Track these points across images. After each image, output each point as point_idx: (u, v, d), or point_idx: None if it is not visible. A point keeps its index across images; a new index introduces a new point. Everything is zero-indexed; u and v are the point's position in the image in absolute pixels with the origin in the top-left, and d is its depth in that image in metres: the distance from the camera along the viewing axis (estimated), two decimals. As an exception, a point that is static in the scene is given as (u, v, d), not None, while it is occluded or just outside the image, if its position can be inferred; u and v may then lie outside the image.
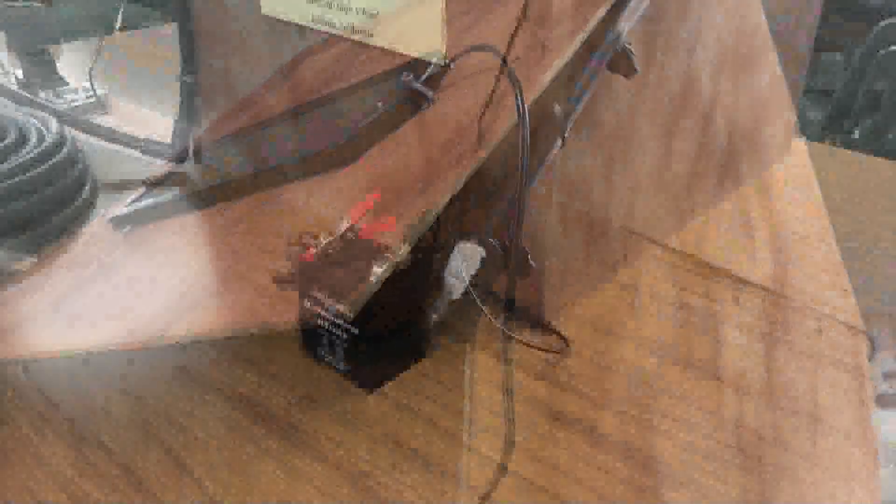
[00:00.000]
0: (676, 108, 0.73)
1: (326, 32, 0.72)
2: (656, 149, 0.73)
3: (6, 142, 0.80)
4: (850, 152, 1.03)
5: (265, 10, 0.76)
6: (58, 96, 1.05)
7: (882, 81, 1.76)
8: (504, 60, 0.58)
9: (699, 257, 0.78)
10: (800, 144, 1.04)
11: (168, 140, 0.91)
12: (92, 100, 1.06)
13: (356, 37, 0.70)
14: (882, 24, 1.70)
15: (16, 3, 1.14)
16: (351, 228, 0.60)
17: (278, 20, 0.76)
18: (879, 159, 1.01)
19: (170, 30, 0.96)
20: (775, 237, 0.83)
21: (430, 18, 0.63)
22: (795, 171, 0.97)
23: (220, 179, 0.80)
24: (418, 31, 0.65)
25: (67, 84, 1.10)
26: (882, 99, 1.75)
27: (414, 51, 0.66)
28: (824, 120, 1.94)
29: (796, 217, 0.86)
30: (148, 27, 1.55)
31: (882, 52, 1.69)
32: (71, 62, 1.24)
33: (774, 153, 0.98)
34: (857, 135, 1.90)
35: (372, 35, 0.68)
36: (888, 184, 0.95)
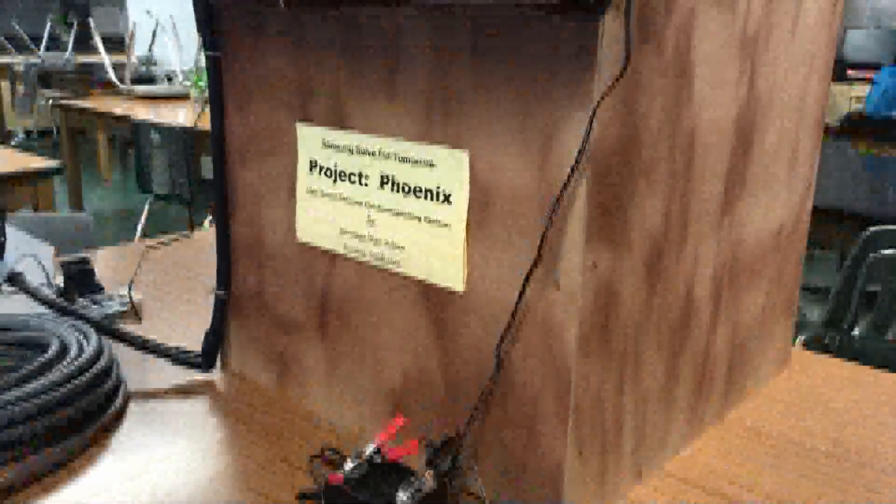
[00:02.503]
0: (679, 327, 0.78)
1: (356, 260, 0.79)
2: (661, 367, 0.77)
3: (48, 355, 0.84)
4: (846, 363, 1.07)
5: (301, 236, 0.84)
6: (95, 303, 1.11)
7: (875, 283, 1.84)
8: (520, 295, 0.64)
9: (705, 484, 0.79)
10: (799, 354, 1.09)
11: (199, 349, 0.96)
12: (126, 307, 1.13)
13: (384, 265, 0.76)
14: (869, 230, 1.80)
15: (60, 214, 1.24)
16: (377, 451, 0.63)
17: (312, 246, 0.83)
18: (882, 373, 1.05)
19: (199, 237, 1.04)
20: (779, 450, 0.85)
21: (452, 252, 0.70)
22: (796, 383, 1.01)
23: (246, 389, 0.84)
24: (441, 263, 0.71)
25: (103, 290, 1.16)
26: (877, 300, 1.82)
27: (437, 280, 0.72)
28: (823, 317, 2.00)
29: (800, 429, 0.89)
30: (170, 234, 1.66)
31: (871, 256, 1.78)
32: (108, 266, 1.32)
33: (774, 367, 1.02)
34: (856, 333, 1.96)
35: (399, 264, 0.75)
36: (886, 397, 0.98)
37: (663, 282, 0.73)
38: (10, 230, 1.11)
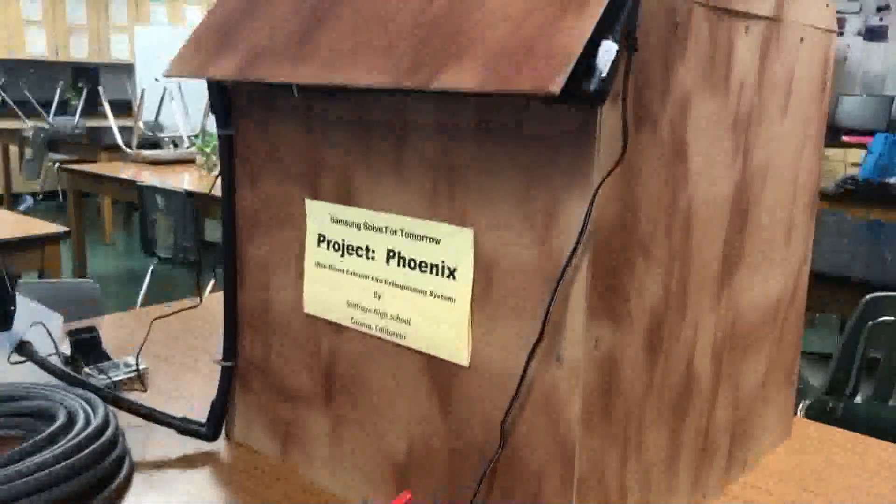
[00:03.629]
0: (680, 399, 0.79)
1: (362, 332, 0.80)
2: (663, 440, 0.78)
3: (55, 426, 0.85)
4: (848, 433, 1.08)
5: (308, 308, 0.86)
6: (101, 372, 1.12)
7: (876, 349, 1.85)
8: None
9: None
10: (801, 423, 1.09)
11: (204, 418, 0.96)
12: (133, 374, 1.13)
13: (390, 338, 0.78)
14: (867, 297, 1.81)
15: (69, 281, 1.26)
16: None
17: (319, 318, 0.85)
18: (882, 444, 1.05)
19: (205, 301, 1.06)
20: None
21: (457, 326, 0.72)
22: (797, 454, 1.01)
23: (250, 460, 0.84)
24: (446, 337, 0.73)
25: (110, 358, 1.17)
26: (879, 367, 1.82)
27: (442, 353, 0.74)
28: (825, 384, 2.00)
29: (801, 502, 0.89)
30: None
31: (871, 323, 1.79)
32: (114, 334, 1.33)
33: (775, 437, 1.02)
34: (859, 399, 1.95)
35: (404, 337, 0.76)
36: (886, 470, 0.98)
37: (664, 355, 0.75)
38: (19, 298, 1.13)
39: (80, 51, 7.85)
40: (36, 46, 7.55)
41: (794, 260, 0.98)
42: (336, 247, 0.82)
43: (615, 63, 0.56)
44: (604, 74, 0.55)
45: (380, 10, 0.71)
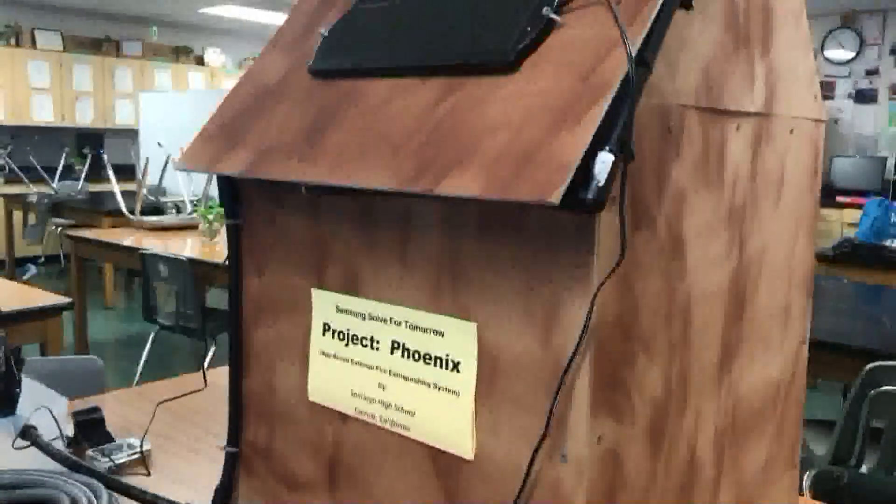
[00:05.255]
0: (683, 489, 0.79)
1: (366, 422, 0.81)
2: (670, 531, 0.78)
3: (60, 515, 0.85)
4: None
5: (313, 397, 0.87)
6: (104, 454, 1.12)
7: (879, 418, 1.84)
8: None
9: None
10: (807, 504, 1.09)
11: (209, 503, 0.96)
12: (136, 456, 1.13)
13: (394, 429, 0.78)
14: (868, 366, 1.82)
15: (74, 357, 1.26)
16: None
17: (324, 406, 0.86)
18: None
19: (209, 379, 1.06)
20: None
21: (461, 419, 0.73)
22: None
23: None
24: (450, 429, 0.74)
25: (113, 440, 1.18)
26: (883, 437, 1.82)
27: (446, 446, 0.74)
28: (830, 453, 1.98)
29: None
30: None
31: (873, 392, 1.79)
32: (117, 413, 1.34)
33: (783, 518, 1.02)
34: (864, 469, 1.94)
35: (408, 428, 0.77)
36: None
37: (667, 446, 0.75)
38: (25, 381, 1.14)
39: (85, 116, 8.00)
40: (42, 113, 7.69)
41: (792, 342, 0.99)
42: (341, 336, 0.83)
43: (612, 172, 0.58)
44: (601, 184, 0.57)
45: (385, 112, 0.74)
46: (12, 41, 7.54)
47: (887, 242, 3.55)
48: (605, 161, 0.58)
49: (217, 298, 3.85)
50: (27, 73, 7.56)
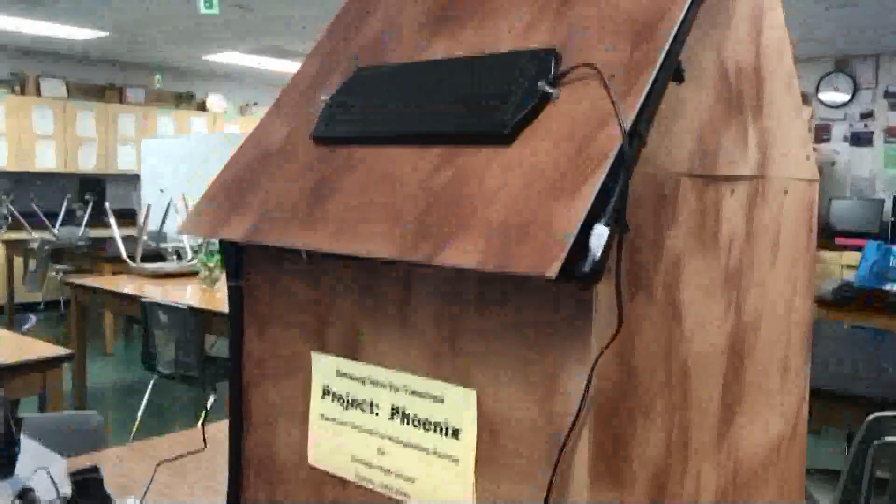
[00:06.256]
0: (688, 556, 0.79)
1: (366, 488, 0.81)
2: None
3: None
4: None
5: (312, 461, 0.86)
6: (102, 517, 1.11)
7: (883, 470, 1.83)
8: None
9: None
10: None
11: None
12: (134, 519, 1.12)
13: (394, 495, 0.78)
14: (871, 417, 1.81)
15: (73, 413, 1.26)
16: None
17: (323, 470, 0.85)
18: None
19: (208, 434, 1.05)
20: None
21: (461, 486, 0.72)
22: None
23: None
24: (450, 496, 0.73)
25: (112, 501, 1.17)
26: (888, 488, 1.80)
27: (447, 513, 0.74)
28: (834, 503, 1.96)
29: None
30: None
31: (876, 443, 1.77)
32: (116, 471, 1.33)
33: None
34: (871, 521, 1.91)
35: (408, 495, 0.77)
36: None
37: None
38: (24, 441, 1.13)
39: (88, 162, 8.06)
40: (46, 159, 7.75)
41: (792, 399, 0.99)
42: (341, 400, 0.84)
43: (608, 244, 0.59)
44: (597, 257, 0.58)
45: (385, 181, 0.75)
46: (17, 89, 7.64)
47: (887, 287, 3.55)
48: (600, 234, 0.59)
49: (216, 346, 3.85)
50: (32, 120, 7.64)
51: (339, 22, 1.03)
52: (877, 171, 6.76)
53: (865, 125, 6.79)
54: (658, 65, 0.66)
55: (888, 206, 6.49)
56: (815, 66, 6.92)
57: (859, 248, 5.16)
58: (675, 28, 0.69)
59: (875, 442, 1.78)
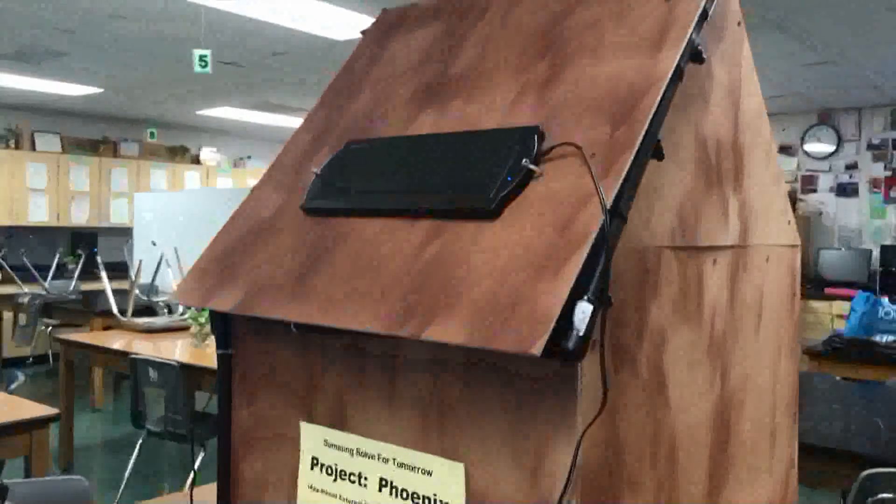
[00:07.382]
0: None
1: (355, 561, 0.80)
2: None
3: None
4: None
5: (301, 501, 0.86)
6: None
7: (879, 527, 1.81)
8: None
9: None
10: None
11: None
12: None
13: (383, 569, 0.78)
14: (864, 474, 1.80)
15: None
16: None
17: (312, 540, 0.85)
18: None
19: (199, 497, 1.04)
20: None
21: (450, 560, 0.72)
22: None
23: None
24: (439, 570, 0.73)
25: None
26: (883, 547, 1.78)
27: (435, 588, 0.73)
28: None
29: None
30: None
31: (871, 499, 1.76)
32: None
33: None
34: (868, 581, 1.88)
35: (397, 569, 0.76)
36: None
37: (657, 585, 0.75)
38: (9, 510, 1.12)
39: (80, 215, 8.08)
40: (38, 213, 7.77)
41: (780, 466, 0.99)
42: (329, 471, 0.83)
43: (591, 321, 0.60)
44: (581, 333, 0.59)
45: (373, 257, 0.77)
46: (12, 143, 7.69)
47: (877, 338, 3.56)
48: (584, 311, 0.60)
49: (205, 402, 3.80)
50: (26, 174, 7.68)
51: (332, 92, 1.06)
52: (863, 221, 6.84)
53: (850, 176, 6.89)
54: (637, 144, 0.68)
55: (875, 255, 6.55)
56: (799, 119, 7.05)
57: (849, 298, 5.19)
58: (654, 107, 0.71)
59: (869, 499, 1.77)
